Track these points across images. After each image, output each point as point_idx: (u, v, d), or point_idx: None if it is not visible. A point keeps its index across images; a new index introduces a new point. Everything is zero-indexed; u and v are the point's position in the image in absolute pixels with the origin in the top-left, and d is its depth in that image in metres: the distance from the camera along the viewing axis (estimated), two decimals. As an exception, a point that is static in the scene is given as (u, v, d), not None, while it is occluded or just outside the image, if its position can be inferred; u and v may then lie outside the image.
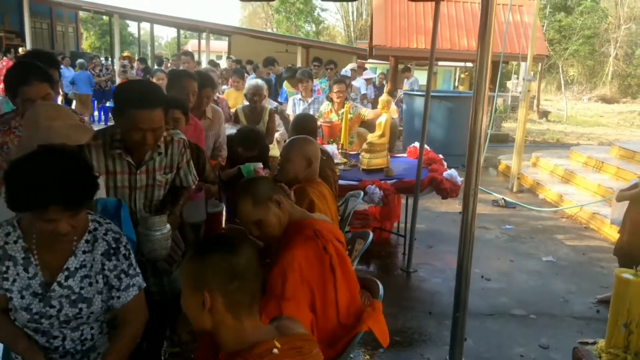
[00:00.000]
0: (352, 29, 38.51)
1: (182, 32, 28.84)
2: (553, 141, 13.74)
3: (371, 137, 5.03)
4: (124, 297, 1.73)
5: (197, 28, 22.70)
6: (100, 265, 1.70)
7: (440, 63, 18.13)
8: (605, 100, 27.74)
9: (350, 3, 37.73)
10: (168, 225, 2.24)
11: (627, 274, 2.65)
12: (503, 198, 7.12)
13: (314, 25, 39.91)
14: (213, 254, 1.35)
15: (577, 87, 30.29)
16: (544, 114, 19.46)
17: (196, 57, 22.56)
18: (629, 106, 25.59)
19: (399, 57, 12.73)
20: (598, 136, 15.12)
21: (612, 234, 5.65)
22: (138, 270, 1.79)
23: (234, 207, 2.69)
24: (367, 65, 15.41)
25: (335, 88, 5.35)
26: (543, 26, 20.69)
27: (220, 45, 32.77)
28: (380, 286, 2.24)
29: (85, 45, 36.12)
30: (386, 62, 14.48)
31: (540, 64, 17.06)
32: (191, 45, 33.32)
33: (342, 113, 5.05)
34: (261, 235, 2.10)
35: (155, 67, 11.46)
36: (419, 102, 9.03)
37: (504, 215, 6.58)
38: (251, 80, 4.95)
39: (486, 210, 6.83)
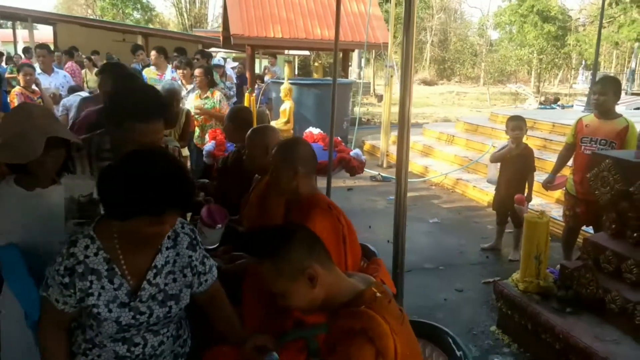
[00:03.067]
0: (186, 17, 37.44)
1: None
2: (394, 121, 15.24)
3: (277, 123, 5.31)
4: (210, 277, 1.77)
5: (16, 16, 20.17)
6: (187, 259, 1.69)
7: (291, 52, 18.77)
8: (426, 83, 31.22)
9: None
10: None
11: (534, 218, 3.35)
12: (379, 174, 7.90)
13: (142, 13, 37.86)
14: (285, 245, 1.51)
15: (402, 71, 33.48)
16: (380, 98, 21.33)
17: (11, 49, 20.15)
18: (446, 87, 29.19)
19: (255, 46, 12.95)
20: (430, 114, 17.12)
21: (476, 194, 6.73)
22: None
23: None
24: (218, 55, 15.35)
25: (197, 72, 5.51)
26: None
27: (40, 35, 29.41)
28: (373, 248, 2.58)
29: None
30: (239, 50, 14.62)
31: (373, 51, 18.67)
32: (2, 35, 29.35)
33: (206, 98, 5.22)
34: None
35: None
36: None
37: (384, 188, 7.34)
38: (165, 84, 4.65)
39: (368, 184, 7.55)
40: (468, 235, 5.44)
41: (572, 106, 13.39)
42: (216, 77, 7.87)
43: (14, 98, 5.61)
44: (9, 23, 23.47)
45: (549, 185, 4.50)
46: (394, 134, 10.54)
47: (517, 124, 4.64)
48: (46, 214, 1.80)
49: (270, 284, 1.54)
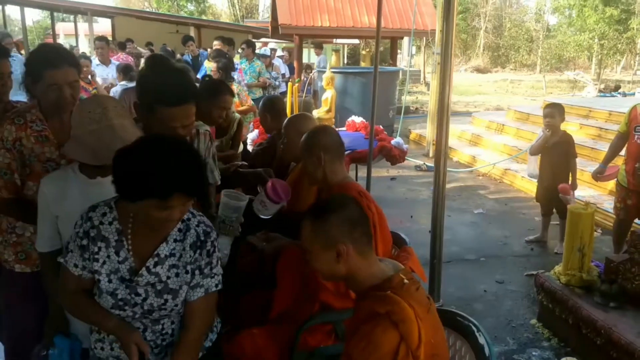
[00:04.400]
0: (237, 8, 37.93)
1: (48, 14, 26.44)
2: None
3: (318, 112, 5.34)
4: (198, 292, 1.64)
5: (77, 10, 21.06)
6: (188, 257, 1.62)
7: (338, 40, 18.72)
8: (479, 70, 30.37)
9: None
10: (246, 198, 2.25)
11: (578, 209, 3.23)
12: (424, 163, 7.80)
13: (195, 5, 38.68)
14: (332, 214, 1.57)
15: (454, 59, 32.72)
16: (430, 86, 20.94)
17: (73, 41, 21.04)
18: (500, 75, 28.30)
19: (303, 35, 13.00)
20: (482, 103, 16.66)
21: (524, 185, 6.53)
22: (215, 272, 1.68)
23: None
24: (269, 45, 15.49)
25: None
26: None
27: (99, 27, 30.62)
28: (404, 236, 2.57)
29: None
30: (288, 40, 14.71)
31: (423, 38, 18.31)
32: (63, 28, 30.71)
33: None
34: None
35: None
36: (337, 80, 9.40)
37: (428, 178, 7.22)
38: None
39: (412, 174, 7.47)
40: (513, 226, 5.30)
41: (635, 94, 12.70)
42: (262, 66, 8.01)
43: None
44: (71, 17, 24.53)
45: (599, 175, 4.32)
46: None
47: (549, 112, 4.50)
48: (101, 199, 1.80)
49: (304, 241, 1.60)
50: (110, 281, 1.56)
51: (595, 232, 5.00)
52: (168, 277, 1.60)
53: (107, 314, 1.59)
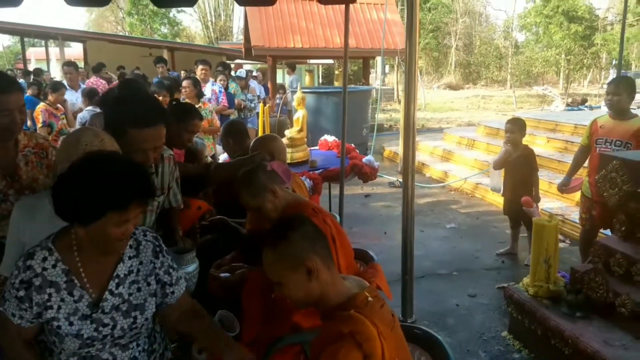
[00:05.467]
0: (211, 30, 38.10)
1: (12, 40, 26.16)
2: (419, 127, 15.15)
3: (290, 132, 5.35)
4: (177, 290, 1.72)
5: (47, 35, 20.89)
6: (151, 267, 1.65)
7: (312, 61, 18.91)
8: (451, 87, 30.97)
9: (207, 4, 37.32)
10: (197, 261, 2.19)
11: (542, 221, 3.31)
12: (397, 180, 7.87)
13: (169, 28, 38.72)
14: (291, 232, 1.57)
15: (427, 76, 33.35)
16: (405, 104, 21.23)
17: (44, 66, 20.83)
18: (472, 91, 28.88)
19: (276, 56, 13.12)
20: (454, 119, 16.96)
21: (495, 199, 6.63)
22: (179, 273, 1.77)
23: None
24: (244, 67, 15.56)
25: (185, 83, 5.61)
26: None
27: (72, 52, 30.38)
28: (372, 254, 2.60)
29: None
30: (262, 61, 14.82)
31: (397, 57, 18.63)
32: (34, 53, 30.38)
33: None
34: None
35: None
36: (310, 99, 9.48)
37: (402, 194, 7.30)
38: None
39: (386, 191, 7.54)
40: (485, 240, 5.38)
41: (600, 107, 13.09)
42: (237, 89, 8.05)
43: (39, 114, 5.82)
44: (42, 42, 24.30)
45: (564, 188, 4.43)
46: (416, 139, 10.51)
47: (509, 127, 4.67)
48: None
49: (270, 272, 1.57)
50: (71, 324, 1.52)
51: (563, 243, 5.12)
52: (130, 294, 1.60)
53: None
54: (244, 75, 8.94)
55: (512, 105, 20.92)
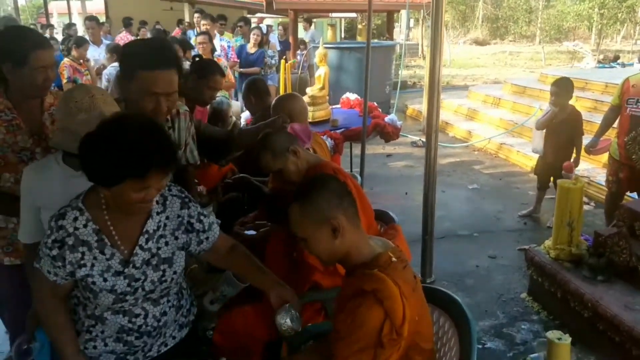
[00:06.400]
0: (232, -17, 37.31)
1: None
2: (444, 84, 14.79)
3: (312, 90, 5.29)
4: (212, 235, 1.75)
5: (69, -12, 20.71)
6: (178, 221, 1.67)
7: (334, 15, 18.49)
8: (478, 42, 29.97)
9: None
10: (214, 216, 2.22)
11: (567, 183, 3.25)
12: (420, 139, 7.78)
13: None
14: (316, 191, 1.59)
15: (452, 31, 32.31)
16: (430, 60, 20.70)
17: (66, 20, 20.81)
18: (499, 47, 27.94)
19: (298, 10, 12.84)
20: (480, 76, 16.52)
21: (520, 159, 6.55)
22: (211, 218, 1.80)
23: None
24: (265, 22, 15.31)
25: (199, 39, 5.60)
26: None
27: (93, 6, 30.16)
28: (392, 214, 2.60)
29: None
30: (284, 15, 14.53)
31: (421, 11, 18.09)
32: (56, 7, 30.27)
33: None
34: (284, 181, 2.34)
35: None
36: (332, 55, 9.31)
37: (424, 154, 7.23)
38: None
39: (408, 150, 7.47)
40: (507, 201, 5.33)
41: (633, 64, 12.59)
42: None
43: (64, 70, 5.85)
44: (64, -5, 24.15)
45: (592, 149, 4.32)
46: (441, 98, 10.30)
47: (554, 89, 4.45)
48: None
49: (296, 228, 1.60)
50: (105, 280, 1.56)
51: (588, 206, 5.05)
52: (159, 248, 1.64)
53: (71, 341, 1.63)
54: (264, 31, 8.79)
55: (540, 62, 20.24)
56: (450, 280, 3.75)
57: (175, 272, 1.68)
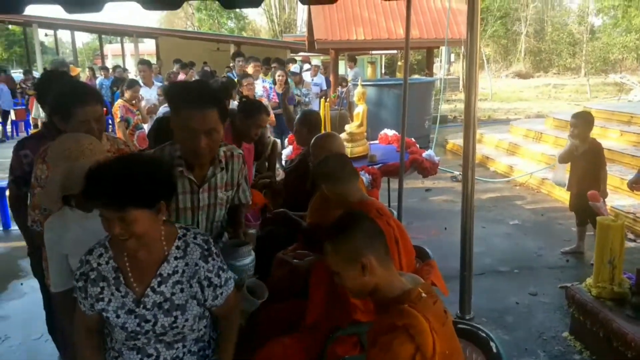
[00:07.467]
0: (276, 23, 38.63)
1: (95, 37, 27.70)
2: (485, 118, 14.74)
3: (350, 127, 5.44)
4: (226, 290, 1.80)
5: (124, 32, 22.04)
6: (195, 269, 1.72)
7: (374, 52, 18.84)
8: (520, 76, 29.74)
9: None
10: (253, 253, 2.25)
11: (607, 220, 3.22)
12: (459, 174, 7.76)
13: (235, 22, 39.71)
14: (349, 230, 1.69)
15: (495, 65, 32.23)
16: (471, 94, 20.65)
17: (120, 61, 22.03)
18: (542, 80, 27.62)
19: (339, 49, 13.19)
20: (523, 110, 16.36)
21: (562, 195, 6.42)
22: (229, 274, 1.86)
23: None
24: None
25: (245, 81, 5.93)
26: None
27: (145, 47, 31.83)
28: (428, 250, 2.66)
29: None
30: (325, 54, 14.93)
31: (461, 46, 18.19)
32: (110, 49, 32.11)
33: None
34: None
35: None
36: (371, 92, 9.50)
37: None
38: None
39: (448, 185, 7.47)
40: (549, 237, 5.25)
41: (684, 96, 12.24)
42: (292, 84, 8.22)
43: (117, 110, 6.24)
44: (118, 38, 25.64)
45: (635, 185, 4.24)
46: (481, 132, 10.28)
47: (573, 121, 4.52)
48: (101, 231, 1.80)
49: (329, 263, 1.71)
50: (118, 316, 1.66)
51: (634, 242, 4.92)
52: (173, 294, 1.69)
53: None
54: (297, 71, 9.12)
55: (586, 94, 19.89)
56: (490, 317, 3.72)
57: (187, 320, 1.71)
